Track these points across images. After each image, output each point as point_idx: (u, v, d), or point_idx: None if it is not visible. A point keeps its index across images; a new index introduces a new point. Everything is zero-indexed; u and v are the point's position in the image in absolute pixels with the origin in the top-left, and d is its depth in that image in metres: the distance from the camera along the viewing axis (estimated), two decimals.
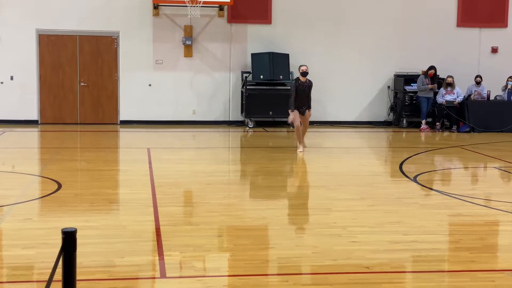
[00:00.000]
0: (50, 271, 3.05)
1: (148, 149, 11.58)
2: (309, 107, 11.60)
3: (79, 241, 3.12)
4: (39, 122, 15.57)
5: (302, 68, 11.56)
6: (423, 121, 15.58)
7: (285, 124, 15.62)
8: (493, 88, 15.80)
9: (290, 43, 15.90)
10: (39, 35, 15.42)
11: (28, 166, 9.87)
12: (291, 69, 15.51)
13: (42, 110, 15.59)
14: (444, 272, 5.18)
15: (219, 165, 10.46)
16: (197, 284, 4.70)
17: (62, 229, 3.01)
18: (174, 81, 15.87)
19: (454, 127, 15.43)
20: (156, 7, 15.42)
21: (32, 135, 14.27)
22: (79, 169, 9.98)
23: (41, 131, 14.82)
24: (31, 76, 15.43)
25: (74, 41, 15.57)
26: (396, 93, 16.33)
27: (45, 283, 3.02)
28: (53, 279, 2.93)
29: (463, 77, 15.95)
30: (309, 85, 11.55)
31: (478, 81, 15.73)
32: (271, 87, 15.55)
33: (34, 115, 15.56)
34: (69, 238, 2.99)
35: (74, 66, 15.63)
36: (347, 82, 16.35)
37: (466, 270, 5.13)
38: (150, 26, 15.63)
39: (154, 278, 4.91)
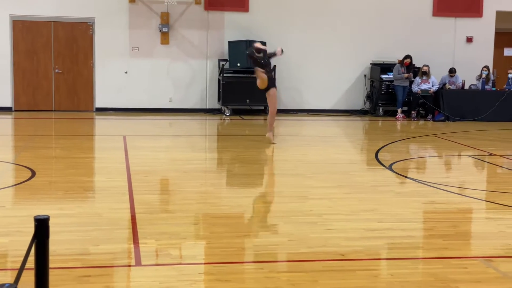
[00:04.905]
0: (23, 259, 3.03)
1: (124, 137, 11.50)
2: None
3: (53, 229, 3.09)
4: (13, 109, 15.38)
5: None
6: (399, 110, 15.67)
7: (262, 112, 15.64)
8: (468, 77, 15.93)
9: (267, 31, 15.86)
10: (13, 20, 15.19)
11: (1, 154, 9.75)
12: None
13: (16, 97, 15.40)
14: (418, 259, 5.24)
15: (195, 153, 10.43)
16: (172, 271, 4.69)
17: (34, 217, 2.98)
18: (150, 69, 15.76)
19: (430, 116, 15.54)
20: None
21: (5, 122, 14.09)
22: (54, 157, 9.89)
23: (15, 118, 14.64)
24: (4, 62, 15.21)
25: (49, 27, 15.37)
26: (372, 82, 16.40)
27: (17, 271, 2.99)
28: (26, 267, 2.90)
29: (439, 66, 16.06)
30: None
31: (452, 75, 15.80)
32: (248, 75, 15.49)
33: (8, 102, 15.36)
34: (41, 226, 2.96)
35: (49, 53, 15.44)
36: (324, 70, 16.38)
37: (439, 257, 5.19)
38: (126, 12, 15.48)
39: (129, 266, 4.89)
